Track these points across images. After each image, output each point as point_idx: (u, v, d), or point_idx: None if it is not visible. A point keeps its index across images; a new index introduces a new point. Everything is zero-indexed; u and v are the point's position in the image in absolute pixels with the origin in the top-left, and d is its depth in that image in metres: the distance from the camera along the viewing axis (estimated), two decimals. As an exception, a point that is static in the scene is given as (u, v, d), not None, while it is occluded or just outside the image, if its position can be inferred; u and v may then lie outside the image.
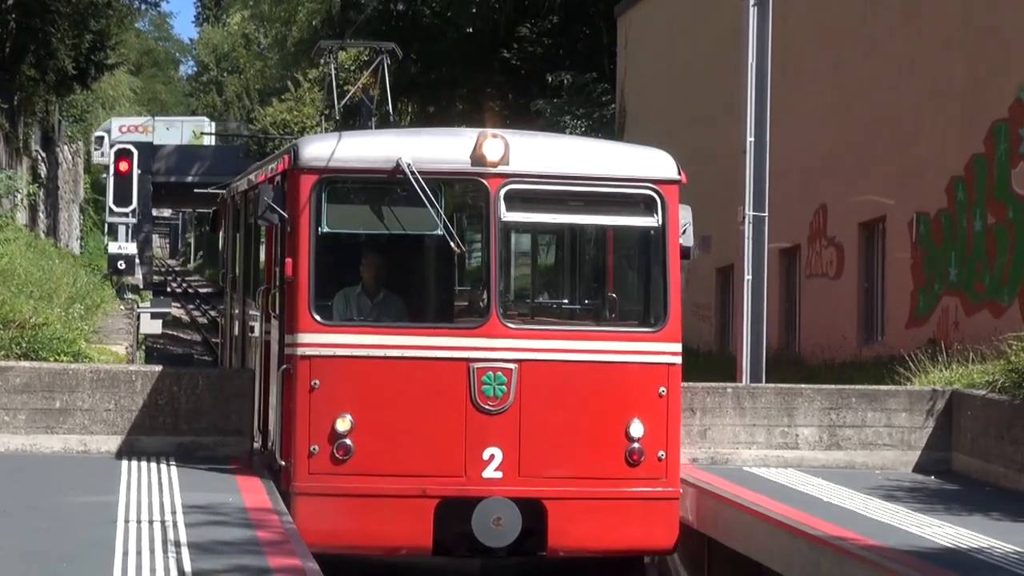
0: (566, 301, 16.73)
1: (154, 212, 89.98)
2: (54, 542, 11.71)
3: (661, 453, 14.07)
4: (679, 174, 14.32)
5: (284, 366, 13.99)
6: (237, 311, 19.44)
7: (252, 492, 14.09)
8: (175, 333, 51.38)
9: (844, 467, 16.66)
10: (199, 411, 15.95)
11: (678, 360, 14.23)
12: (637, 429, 13.96)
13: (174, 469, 15.15)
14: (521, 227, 15.64)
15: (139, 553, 11.29)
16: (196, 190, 65.13)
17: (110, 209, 37.52)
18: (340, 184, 14.08)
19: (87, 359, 18.92)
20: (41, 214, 50.66)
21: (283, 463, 14.00)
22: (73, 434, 15.84)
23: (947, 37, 24.34)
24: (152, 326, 34.09)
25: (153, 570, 10.80)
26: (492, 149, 13.83)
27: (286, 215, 13.84)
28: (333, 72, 20.47)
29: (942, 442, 16.98)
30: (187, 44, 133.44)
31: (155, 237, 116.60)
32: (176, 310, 59.53)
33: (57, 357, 18.22)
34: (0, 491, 13.92)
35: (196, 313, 67.01)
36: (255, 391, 16.19)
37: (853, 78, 27.43)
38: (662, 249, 14.25)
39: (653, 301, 14.55)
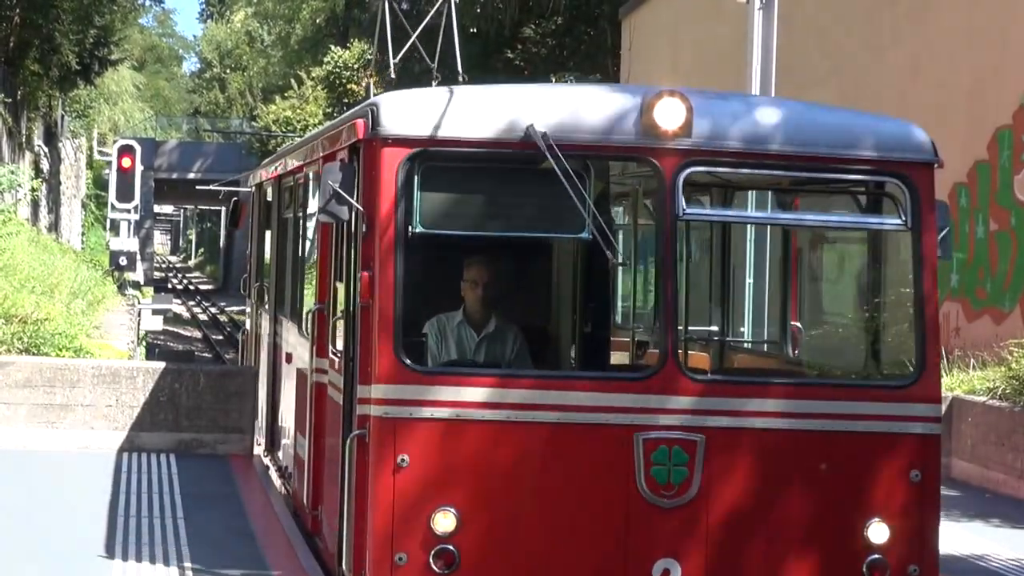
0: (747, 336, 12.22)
1: (156, 208, 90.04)
2: (54, 537, 11.71)
3: (913, 568, 9.60)
4: (935, 154, 9.82)
5: (356, 432, 9.41)
6: (266, 332, 15.67)
7: (252, 489, 14.10)
8: (176, 329, 51.40)
9: (844, 472, 16.63)
10: (200, 408, 15.99)
11: (937, 429, 9.88)
12: (879, 533, 9.52)
13: (174, 465, 15.16)
14: (703, 227, 11.56)
15: (139, 549, 11.30)
16: (198, 187, 65.56)
17: (112, 205, 37.54)
18: (442, 162, 9.40)
19: (88, 355, 18.94)
20: (43, 209, 50.72)
21: None
22: (74, 429, 15.86)
23: (952, 43, 24.35)
24: (153, 322, 34.12)
25: (153, 566, 10.81)
26: (669, 113, 9.39)
27: (361, 208, 9.37)
28: (387, 14, 15.06)
29: (942, 448, 16.99)
30: (191, 40, 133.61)
31: (156, 233, 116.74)
32: (177, 306, 59.55)
33: (58, 352, 18.23)
34: (0, 486, 13.93)
35: (197, 310, 67.07)
36: (257, 392, 16.15)
37: (857, 82, 27.45)
38: (913, 263, 9.69)
39: (900, 342, 10.26)
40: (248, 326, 18.88)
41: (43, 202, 50.40)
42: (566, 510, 9.26)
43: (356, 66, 55.28)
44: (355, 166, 9.57)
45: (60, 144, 59.29)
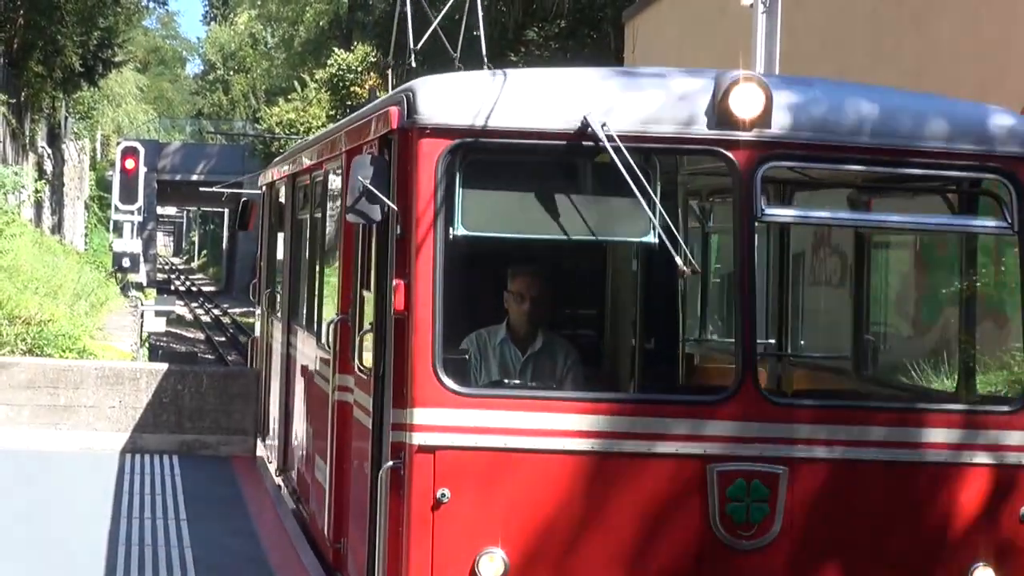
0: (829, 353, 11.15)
1: (159, 210, 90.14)
2: (56, 538, 11.74)
3: None
4: None
5: (390, 463, 8.22)
6: (278, 342, 14.61)
7: (255, 490, 14.12)
8: (179, 331, 51.44)
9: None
10: (203, 409, 16.02)
11: None
12: None
13: (177, 467, 15.19)
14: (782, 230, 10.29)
15: (142, 550, 11.33)
16: (201, 188, 65.58)
17: (116, 207, 37.62)
18: (486, 156, 8.21)
19: (91, 356, 18.98)
20: (47, 211, 50.77)
21: None
22: (77, 431, 15.88)
23: (955, 48, 24.40)
24: (156, 324, 34.20)
25: (156, 566, 10.84)
26: (746, 101, 8.16)
27: (395, 207, 8.21)
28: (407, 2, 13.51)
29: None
30: (194, 43, 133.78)
31: (159, 235, 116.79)
32: (180, 308, 59.60)
33: (62, 354, 18.29)
34: (3, 487, 13.96)
35: (200, 311, 67.12)
36: (259, 393, 16.16)
37: (860, 87, 27.50)
38: (1020, 270, 8.57)
39: (1001, 360, 9.31)
40: (257, 333, 17.62)
41: (47, 203, 50.45)
42: (629, 553, 8.06)
43: (359, 68, 55.33)
44: (388, 160, 8.41)
45: (63, 145, 59.35)
